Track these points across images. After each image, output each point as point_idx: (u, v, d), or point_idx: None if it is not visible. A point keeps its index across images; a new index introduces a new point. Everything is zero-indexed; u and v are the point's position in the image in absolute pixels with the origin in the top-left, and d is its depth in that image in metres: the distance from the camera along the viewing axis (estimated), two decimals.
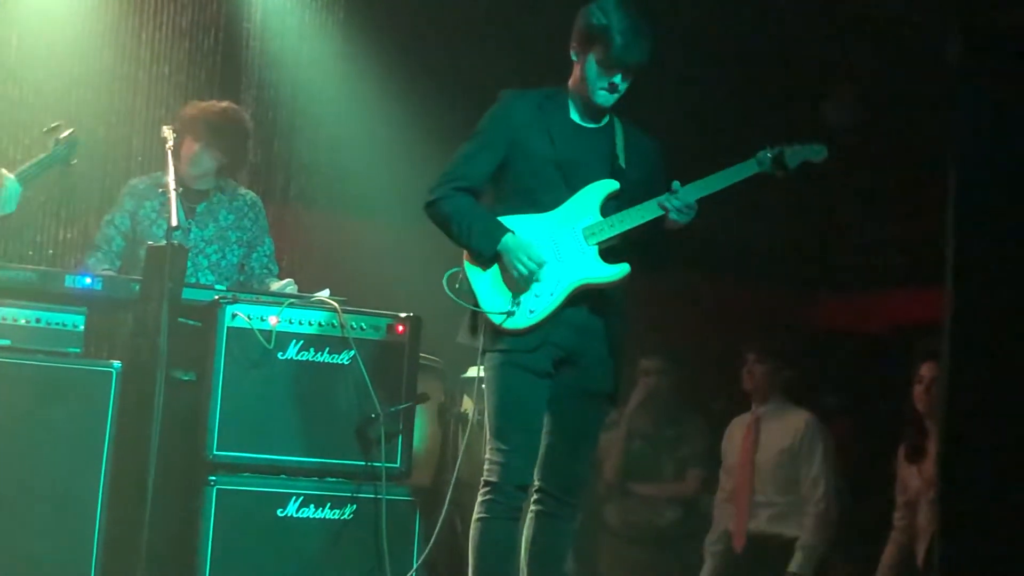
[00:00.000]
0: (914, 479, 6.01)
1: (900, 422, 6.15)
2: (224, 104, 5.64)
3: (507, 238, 4.39)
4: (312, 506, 4.84)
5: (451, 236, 4.46)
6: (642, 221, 4.43)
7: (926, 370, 5.91)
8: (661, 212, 4.41)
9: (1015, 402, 4.29)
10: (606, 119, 4.57)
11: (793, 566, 6.30)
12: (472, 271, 4.45)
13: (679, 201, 4.38)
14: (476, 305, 4.40)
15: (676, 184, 4.41)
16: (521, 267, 4.37)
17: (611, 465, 6.98)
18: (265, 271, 5.57)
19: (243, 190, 5.67)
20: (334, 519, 4.86)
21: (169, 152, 4.83)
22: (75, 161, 5.23)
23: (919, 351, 6.00)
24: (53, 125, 5.20)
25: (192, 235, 5.42)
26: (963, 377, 4.37)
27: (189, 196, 5.43)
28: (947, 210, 4.44)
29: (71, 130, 5.19)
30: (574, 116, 4.54)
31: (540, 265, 4.38)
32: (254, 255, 5.57)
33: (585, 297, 4.44)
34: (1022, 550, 4.17)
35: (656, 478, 7.03)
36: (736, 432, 6.68)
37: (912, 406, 6.00)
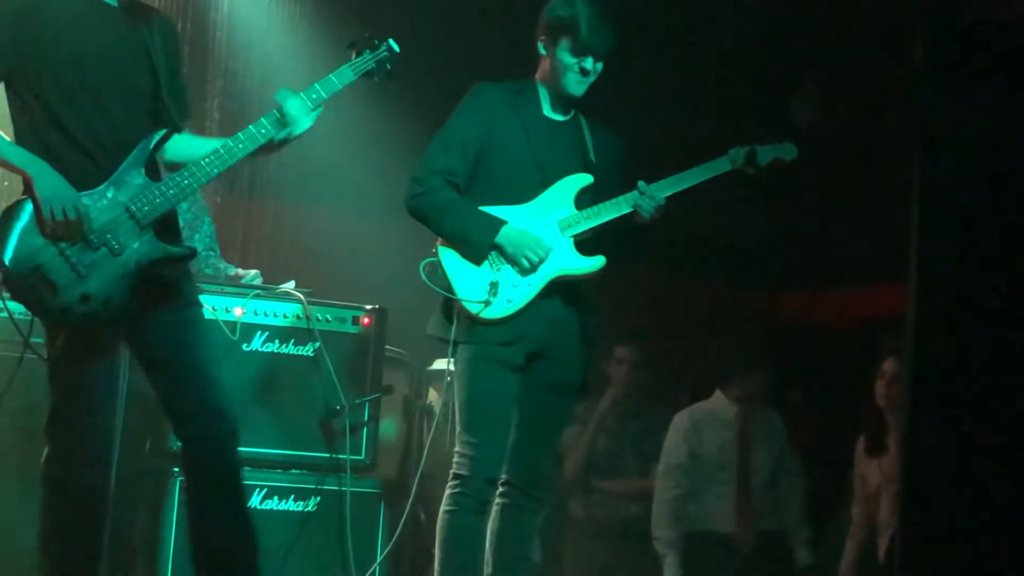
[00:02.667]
0: (874, 474, 6.03)
1: (860, 416, 6.18)
2: None
3: (505, 230, 4.40)
4: (276, 498, 4.83)
5: (441, 229, 4.44)
6: (616, 215, 4.47)
7: (888, 365, 5.94)
8: (634, 208, 4.46)
9: (978, 398, 4.32)
10: (572, 112, 4.60)
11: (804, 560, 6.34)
12: (448, 260, 4.44)
13: (651, 200, 4.44)
14: (452, 294, 4.40)
15: (642, 184, 4.46)
16: (532, 256, 4.39)
17: (574, 462, 6.97)
18: (209, 252, 5.51)
19: None
20: (298, 511, 4.85)
21: None
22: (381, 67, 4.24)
23: (882, 346, 6.03)
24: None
25: None
26: (926, 372, 4.40)
27: None
28: (912, 206, 4.46)
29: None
30: (545, 110, 4.58)
31: (548, 253, 4.40)
32: (196, 236, 5.53)
33: (557, 289, 4.46)
34: (984, 546, 4.20)
35: (620, 473, 7.03)
36: (713, 428, 6.62)
37: (873, 400, 6.03)
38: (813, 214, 7.46)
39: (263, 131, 4.04)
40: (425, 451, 4.68)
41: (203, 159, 3.96)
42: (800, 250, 7.93)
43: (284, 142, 4.10)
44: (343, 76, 4.15)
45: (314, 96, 4.08)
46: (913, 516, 4.41)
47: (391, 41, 4.25)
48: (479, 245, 4.40)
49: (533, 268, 4.41)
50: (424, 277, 4.41)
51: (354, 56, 4.21)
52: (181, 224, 5.47)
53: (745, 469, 6.45)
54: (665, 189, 4.48)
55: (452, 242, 4.41)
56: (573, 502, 7.02)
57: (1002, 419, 4.27)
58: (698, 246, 7.67)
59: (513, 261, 4.40)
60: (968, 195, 4.38)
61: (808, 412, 7.15)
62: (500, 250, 4.40)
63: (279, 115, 4.05)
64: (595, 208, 4.48)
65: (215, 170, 3.98)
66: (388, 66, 4.24)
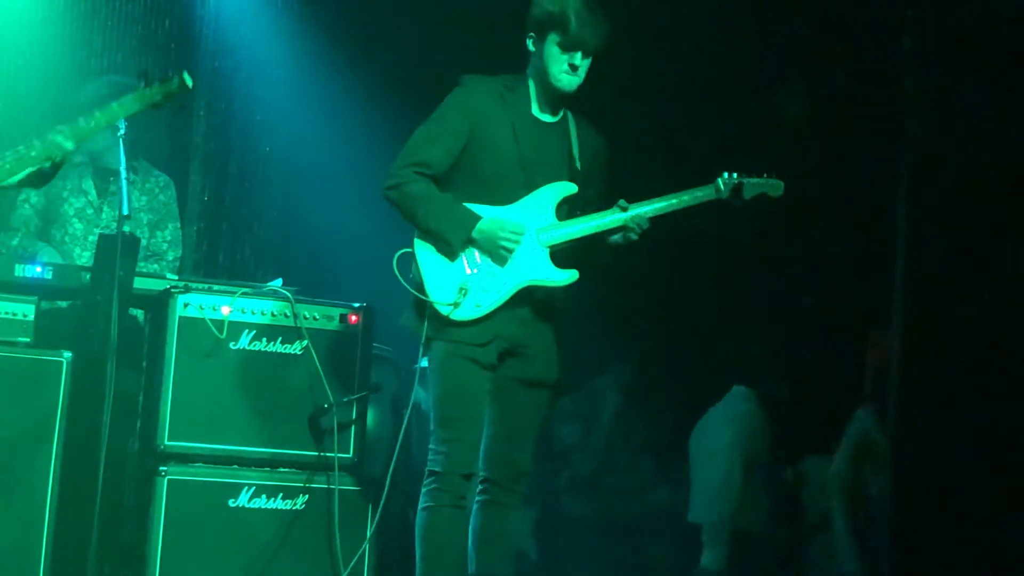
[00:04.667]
0: None
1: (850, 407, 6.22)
2: (122, 78, 5.60)
3: (481, 224, 4.39)
4: (264, 496, 4.83)
5: (415, 222, 4.44)
6: (596, 231, 4.46)
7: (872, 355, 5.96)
8: (617, 225, 4.45)
9: (965, 390, 4.33)
10: (561, 113, 4.59)
11: None
12: (422, 258, 4.44)
13: (637, 224, 4.43)
14: (423, 292, 4.40)
15: (622, 202, 4.45)
16: (509, 244, 4.38)
17: (590, 462, 6.99)
18: (154, 256, 5.48)
19: (156, 172, 5.63)
20: (286, 509, 4.85)
21: (121, 141, 4.77)
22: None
23: (871, 339, 6.05)
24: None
25: (104, 215, 5.39)
26: (914, 365, 4.41)
27: (101, 175, 5.40)
28: (899, 204, 4.47)
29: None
30: (534, 110, 4.55)
31: (523, 234, 4.39)
32: (157, 236, 5.51)
33: (529, 294, 4.46)
34: (971, 530, 4.21)
35: (610, 467, 7.05)
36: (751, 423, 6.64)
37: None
38: (801, 208, 7.45)
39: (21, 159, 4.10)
40: (397, 448, 4.62)
41: None
42: (787, 245, 7.92)
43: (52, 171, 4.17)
44: (125, 106, 4.22)
45: (79, 127, 4.15)
46: (904, 508, 4.43)
47: (185, 75, 4.28)
48: (452, 243, 4.39)
49: (511, 256, 4.40)
50: (395, 271, 4.41)
51: (143, 86, 4.23)
52: (151, 223, 5.47)
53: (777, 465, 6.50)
54: (650, 213, 4.47)
55: (427, 236, 4.42)
56: (573, 500, 7.03)
57: (991, 409, 4.29)
58: (689, 241, 7.65)
59: (491, 255, 4.40)
60: (955, 189, 4.39)
61: (796, 405, 7.15)
62: (475, 245, 4.40)
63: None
64: (575, 221, 4.47)
65: None
66: (178, 100, 4.28)
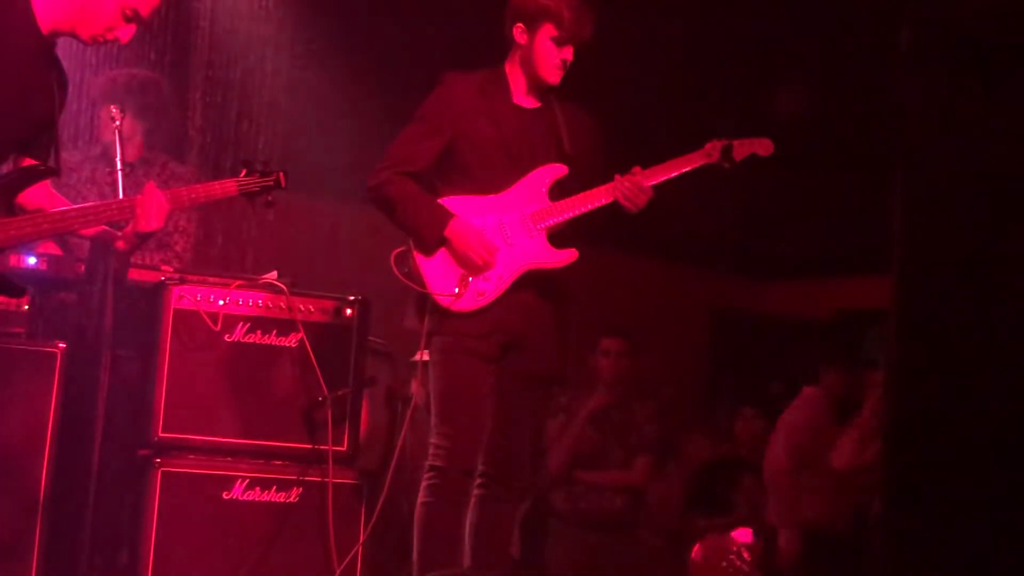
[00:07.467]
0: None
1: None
2: (136, 70, 5.59)
3: (454, 224, 4.39)
4: (258, 489, 4.82)
5: (395, 220, 4.47)
6: (591, 209, 4.46)
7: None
8: (611, 201, 4.45)
9: (961, 388, 4.33)
10: (544, 99, 4.59)
11: None
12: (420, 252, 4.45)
13: (635, 196, 4.42)
14: (423, 287, 4.40)
15: (634, 170, 4.46)
16: (475, 256, 4.37)
17: (561, 454, 6.97)
18: (163, 247, 5.48)
19: (171, 164, 5.61)
20: (280, 502, 4.84)
21: (117, 131, 4.78)
22: None
23: (867, 337, 6.09)
24: None
25: None
26: (909, 364, 4.41)
27: (113, 167, 5.38)
28: (895, 199, 4.47)
29: None
30: (516, 98, 4.56)
31: (493, 253, 4.39)
32: (167, 225, 5.49)
33: (532, 279, 4.46)
34: (964, 535, 4.21)
35: (604, 464, 7.03)
36: None
37: None
38: (797, 205, 7.47)
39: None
40: (399, 442, 4.63)
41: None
42: (782, 242, 7.94)
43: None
44: (226, 190, 4.35)
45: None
46: (899, 512, 4.43)
47: (281, 176, 4.39)
48: (426, 238, 4.40)
49: (484, 267, 4.39)
50: (394, 268, 4.42)
51: (244, 175, 4.36)
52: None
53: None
54: (643, 179, 4.48)
55: (405, 233, 4.43)
56: (557, 494, 7.02)
57: (987, 408, 4.29)
58: (681, 237, 7.67)
59: (463, 259, 4.39)
60: (951, 188, 4.39)
61: (788, 401, 7.17)
62: (449, 245, 4.40)
63: None
64: (570, 201, 4.47)
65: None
66: (270, 198, 4.38)
